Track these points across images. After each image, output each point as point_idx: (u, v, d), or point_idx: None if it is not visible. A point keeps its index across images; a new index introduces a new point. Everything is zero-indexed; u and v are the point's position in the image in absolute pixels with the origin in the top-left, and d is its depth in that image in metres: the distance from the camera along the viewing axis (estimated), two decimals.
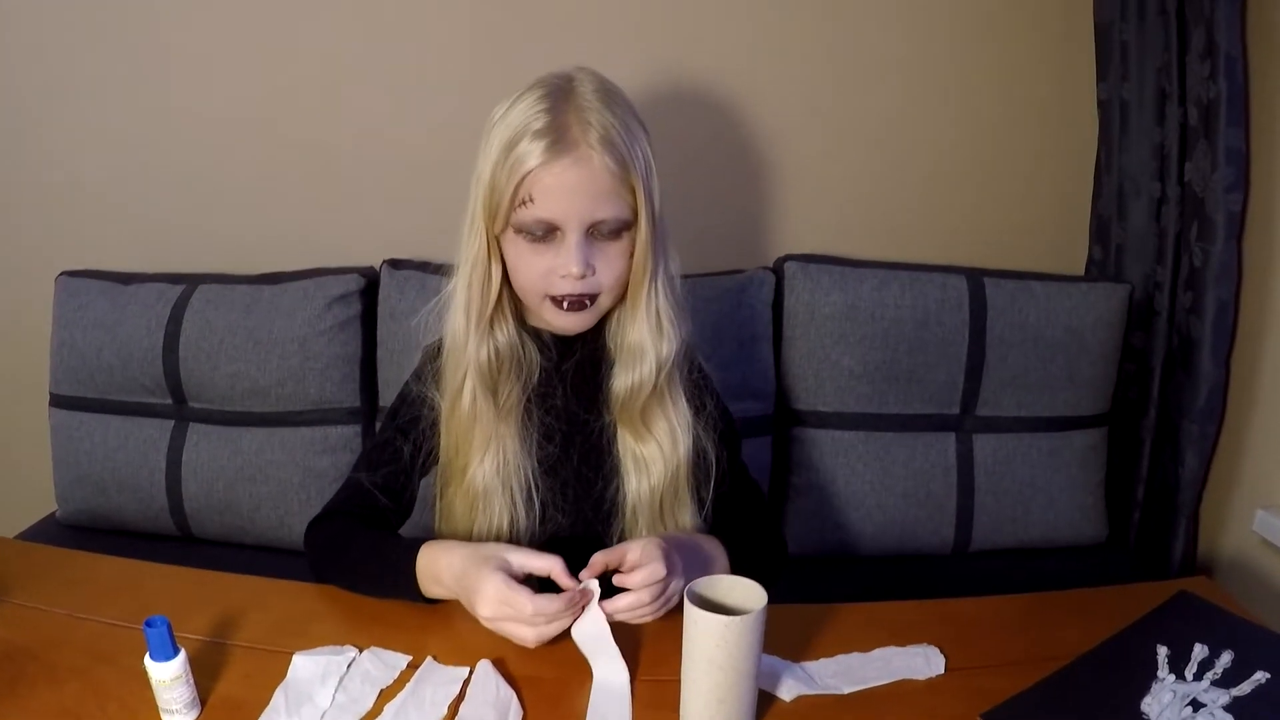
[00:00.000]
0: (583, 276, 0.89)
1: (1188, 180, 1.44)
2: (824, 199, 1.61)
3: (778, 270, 1.50)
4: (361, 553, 0.93)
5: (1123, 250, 1.56)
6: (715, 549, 0.93)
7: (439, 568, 0.87)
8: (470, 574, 0.83)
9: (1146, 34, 1.46)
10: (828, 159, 1.60)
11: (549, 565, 0.83)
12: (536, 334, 0.98)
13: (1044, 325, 1.46)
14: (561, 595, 0.80)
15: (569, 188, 0.86)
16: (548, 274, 0.90)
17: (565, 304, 0.91)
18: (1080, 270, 1.65)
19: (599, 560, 0.84)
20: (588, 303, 0.91)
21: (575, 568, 0.84)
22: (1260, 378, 1.42)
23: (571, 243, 0.88)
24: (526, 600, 0.79)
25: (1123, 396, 1.56)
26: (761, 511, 1.07)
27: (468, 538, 0.96)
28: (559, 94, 0.87)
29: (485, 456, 0.95)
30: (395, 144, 1.61)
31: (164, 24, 1.60)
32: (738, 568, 0.88)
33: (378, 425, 1.51)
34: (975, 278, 1.47)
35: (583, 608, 0.82)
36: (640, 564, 0.82)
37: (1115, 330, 1.49)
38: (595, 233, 0.89)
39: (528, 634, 0.81)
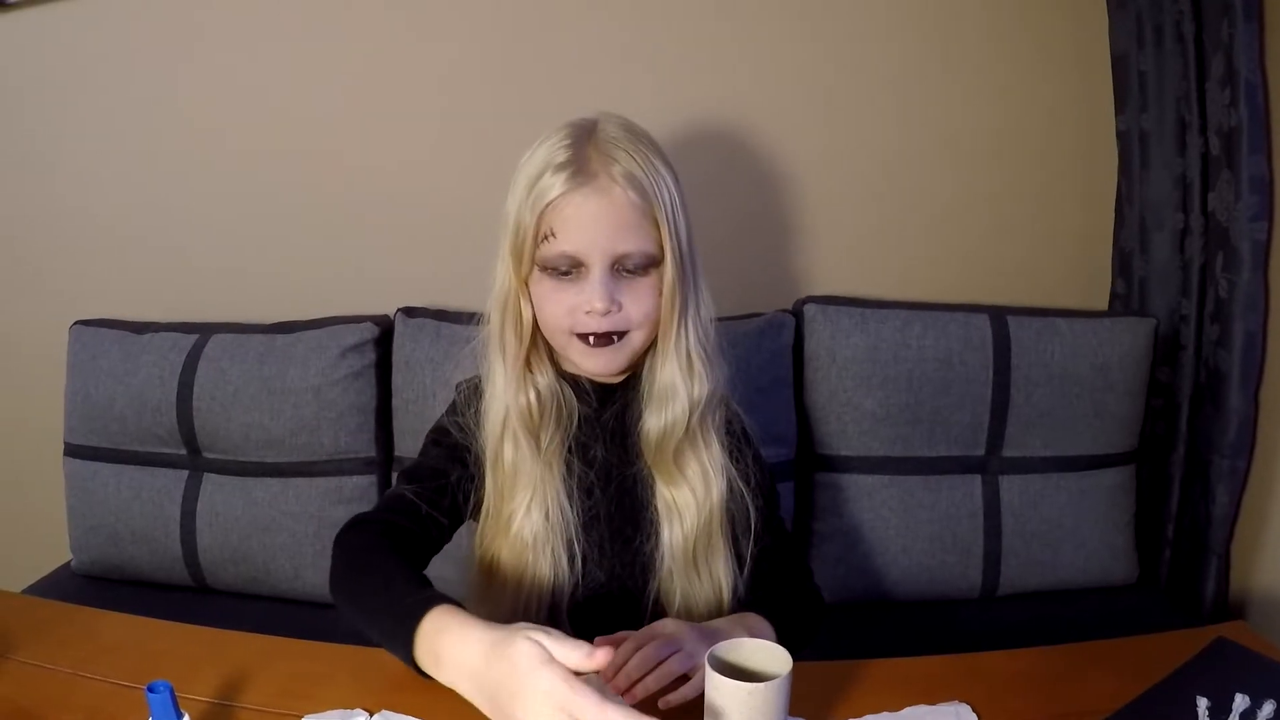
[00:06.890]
0: (607, 312, 0.87)
1: (1211, 210, 1.40)
2: (843, 240, 1.59)
3: (797, 313, 1.48)
4: (374, 582, 0.81)
5: (1147, 283, 1.53)
6: (754, 626, 0.88)
7: (442, 645, 0.72)
8: (503, 666, 0.66)
9: (1164, 63, 1.43)
10: (845, 199, 1.58)
11: (594, 664, 0.66)
12: (575, 381, 0.96)
13: (1069, 362, 1.43)
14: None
15: (590, 219, 0.85)
16: (572, 310, 0.88)
17: (591, 340, 0.89)
18: (1104, 305, 1.62)
19: (628, 649, 0.79)
20: (615, 339, 0.89)
21: (611, 625, 0.81)
22: None
23: (595, 277, 0.86)
24: (593, 706, 0.62)
25: (1150, 433, 1.53)
26: (799, 569, 1.04)
27: (517, 593, 0.93)
28: (582, 132, 0.89)
29: (532, 506, 0.92)
30: (409, 192, 1.60)
31: (177, 77, 1.60)
32: (782, 638, 0.85)
33: (393, 475, 1.49)
34: (998, 316, 1.45)
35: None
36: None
37: (1141, 365, 1.46)
38: (620, 268, 0.88)
39: None
